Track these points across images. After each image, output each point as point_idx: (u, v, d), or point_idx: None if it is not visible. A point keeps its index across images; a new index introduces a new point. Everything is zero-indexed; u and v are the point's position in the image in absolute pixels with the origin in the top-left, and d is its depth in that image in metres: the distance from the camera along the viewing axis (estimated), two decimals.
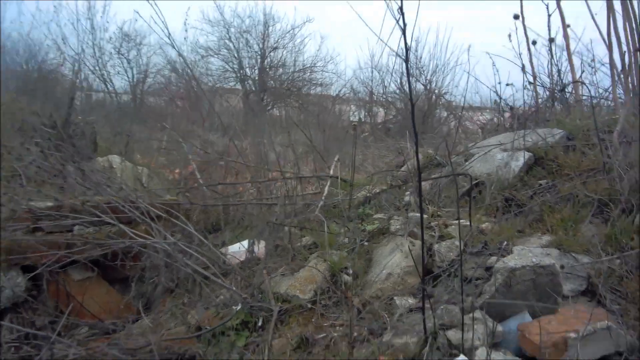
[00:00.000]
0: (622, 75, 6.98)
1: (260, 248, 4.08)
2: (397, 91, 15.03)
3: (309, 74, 18.55)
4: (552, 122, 6.03)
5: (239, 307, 3.07)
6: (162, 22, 4.98)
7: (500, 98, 6.94)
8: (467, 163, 5.44)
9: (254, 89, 18.39)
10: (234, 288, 3.27)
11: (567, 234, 3.57)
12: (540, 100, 7.47)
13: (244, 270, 3.63)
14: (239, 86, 18.54)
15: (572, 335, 2.48)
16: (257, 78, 18.29)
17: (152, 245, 3.38)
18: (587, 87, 6.74)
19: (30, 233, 3.48)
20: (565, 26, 7.48)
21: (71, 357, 2.62)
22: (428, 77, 14.11)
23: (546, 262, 2.95)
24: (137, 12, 5.85)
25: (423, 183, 5.35)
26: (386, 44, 2.70)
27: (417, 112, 13.26)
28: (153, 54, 17.47)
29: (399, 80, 14.62)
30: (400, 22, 2.26)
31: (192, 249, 3.57)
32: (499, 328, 2.82)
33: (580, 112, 6.30)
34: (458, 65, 13.80)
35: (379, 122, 15.72)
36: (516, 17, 7.30)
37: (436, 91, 14.24)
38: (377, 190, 5.33)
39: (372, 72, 16.10)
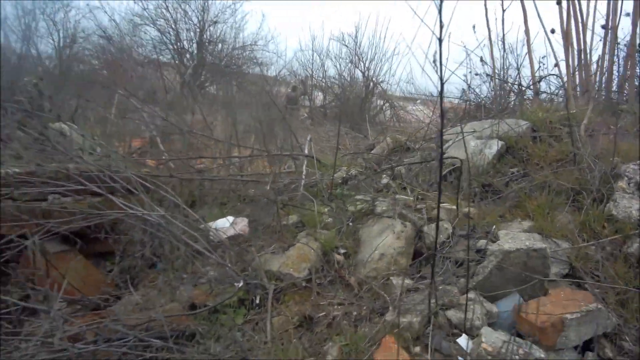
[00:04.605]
0: (577, 71, 7.42)
1: (244, 225, 4.00)
2: (337, 76, 14.94)
3: (249, 52, 17.84)
4: (518, 113, 6.30)
5: (240, 284, 2.99)
6: None
7: (469, 87, 7.13)
8: (442, 149, 5.57)
9: (191, 63, 17.33)
10: (229, 264, 3.18)
11: (545, 220, 3.76)
12: (500, 93, 7.77)
13: (233, 246, 3.53)
14: (175, 60, 17.55)
15: (569, 316, 2.64)
16: (195, 52, 17.17)
17: (141, 217, 3.19)
18: (554, 82, 7.06)
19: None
20: (526, 22, 7.76)
21: (72, 333, 2.46)
22: (367, 65, 14.12)
23: (538, 245, 3.10)
24: None
25: (399, 167, 5.45)
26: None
27: (355, 98, 13.37)
28: (82, 18, 16.20)
29: (339, 65, 14.64)
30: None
31: (180, 222, 3.41)
32: (495, 309, 2.95)
33: (543, 105, 6.61)
34: (396, 54, 13.91)
35: (318, 106, 15.60)
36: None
37: (374, 79, 14.29)
38: (354, 172, 5.35)
39: (312, 55, 15.89)
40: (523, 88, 7.18)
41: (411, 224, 3.83)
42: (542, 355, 2.51)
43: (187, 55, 17.31)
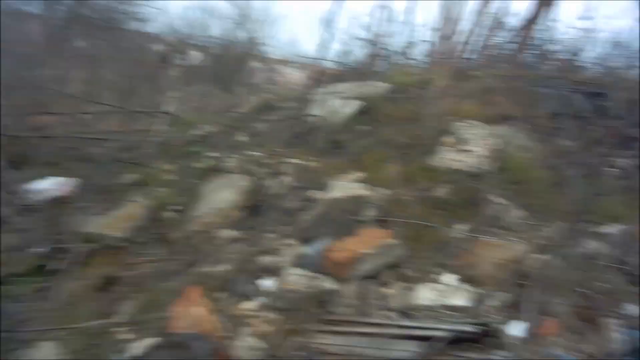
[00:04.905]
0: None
1: (69, 186, 3.74)
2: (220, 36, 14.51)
3: (127, 5, 16.31)
4: (379, 76, 6.54)
5: (43, 249, 2.80)
6: None
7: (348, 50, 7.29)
8: (305, 108, 5.64)
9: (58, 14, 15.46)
10: (32, 229, 2.97)
11: (377, 172, 3.95)
12: (373, 57, 7.99)
13: (51, 209, 3.32)
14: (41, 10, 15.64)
15: (365, 250, 2.84)
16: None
17: None
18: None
19: None
20: None
21: None
22: (252, 27, 13.83)
23: (358, 192, 3.27)
24: None
25: (259, 124, 5.45)
26: None
27: (232, 59, 13.06)
28: None
29: (224, 25, 14.16)
30: None
31: None
32: (304, 251, 3.07)
33: (405, 70, 6.90)
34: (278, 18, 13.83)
35: (192, 66, 15.06)
36: None
37: (254, 41, 14.10)
38: (212, 130, 5.25)
39: (198, 13, 15.22)
40: (390, 53, 7.43)
41: (254, 179, 3.85)
42: (333, 286, 2.68)
43: (60, 8, 15.41)
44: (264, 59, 11.30)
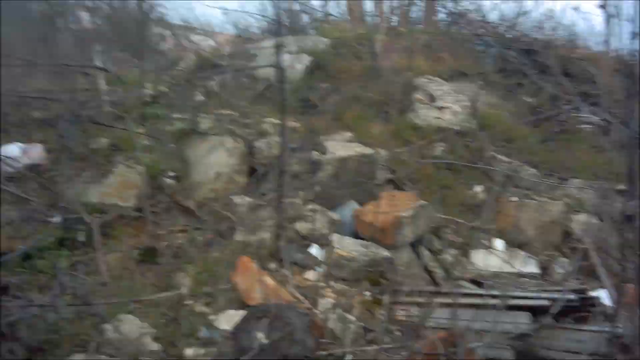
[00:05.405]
0: None
1: (38, 152, 3.22)
2: None
3: None
4: (317, 32, 6.47)
5: (56, 220, 2.43)
6: None
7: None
8: (251, 64, 5.37)
9: None
10: (35, 200, 2.55)
11: (363, 131, 4.02)
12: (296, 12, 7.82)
13: (35, 178, 2.84)
14: None
15: (404, 214, 2.93)
16: None
17: None
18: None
19: None
20: None
21: None
22: None
23: (368, 151, 3.32)
24: None
25: (211, 82, 5.09)
26: None
27: (130, 22, 11.78)
28: None
29: None
30: None
31: None
32: (336, 216, 3.09)
33: (338, 26, 6.90)
34: None
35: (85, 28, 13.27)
36: None
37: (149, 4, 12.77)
38: (160, 89, 4.76)
39: None
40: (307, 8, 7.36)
41: (242, 140, 3.66)
42: (388, 254, 2.76)
43: None
44: (166, 23, 10.25)
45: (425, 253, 3.00)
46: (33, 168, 2.99)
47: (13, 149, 3.00)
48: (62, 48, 5.21)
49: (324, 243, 2.83)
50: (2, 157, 2.82)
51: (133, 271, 2.47)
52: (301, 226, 2.90)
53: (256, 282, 2.37)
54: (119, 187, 2.97)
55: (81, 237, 2.56)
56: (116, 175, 3.08)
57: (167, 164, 3.37)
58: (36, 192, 2.74)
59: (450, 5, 8.36)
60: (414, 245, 3.03)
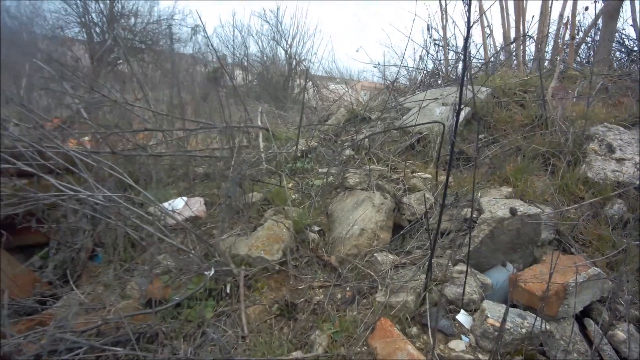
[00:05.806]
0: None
1: (200, 205, 3.54)
2: (259, 54, 14.24)
3: (165, 27, 16.41)
4: (478, 80, 6.16)
5: (211, 273, 2.56)
6: None
7: (428, 53, 6.90)
8: (404, 117, 5.32)
9: (100, 39, 15.07)
10: (192, 251, 2.74)
11: (525, 185, 3.59)
12: (454, 61, 7.63)
13: (193, 229, 3.08)
14: (81, 35, 15.53)
15: (570, 281, 2.44)
16: (105, 27, 14.97)
17: (81, 200, 2.66)
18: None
19: None
20: None
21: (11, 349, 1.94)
22: (289, 42, 13.41)
23: (533, 211, 2.89)
24: None
25: (358, 137, 5.14)
26: None
27: (278, 76, 12.81)
28: None
29: (261, 43, 13.80)
30: None
31: (125, 204, 2.90)
32: (488, 280, 2.72)
33: (502, 72, 6.52)
34: (318, 32, 13.52)
35: (239, 85, 14.85)
36: None
37: (296, 57, 13.79)
38: (314, 144, 4.98)
39: (233, 31, 14.90)
40: (480, 59, 7.05)
41: (390, 196, 3.53)
42: (547, 327, 2.31)
43: (97, 30, 15.55)
44: (309, 75, 11.03)
45: (593, 327, 2.45)
46: (193, 220, 3.27)
47: (179, 202, 3.34)
48: (223, 106, 5.83)
49: (474, 310, 2.49)
50: (170, 210, 3.14)
51: (271, 326, 2.45)
52: (449, 290, 2.60)
53: (397, 350, 2.15)
54: (267, 240, 3.05)
55: (227, 288, 2.66)
56: (265, 228, 3.19)
57: (312, 218, 3.41)
58: (194, 244, 2.93)
59: (631, 41, 7.43)
60: (579, 317, 2.51)
